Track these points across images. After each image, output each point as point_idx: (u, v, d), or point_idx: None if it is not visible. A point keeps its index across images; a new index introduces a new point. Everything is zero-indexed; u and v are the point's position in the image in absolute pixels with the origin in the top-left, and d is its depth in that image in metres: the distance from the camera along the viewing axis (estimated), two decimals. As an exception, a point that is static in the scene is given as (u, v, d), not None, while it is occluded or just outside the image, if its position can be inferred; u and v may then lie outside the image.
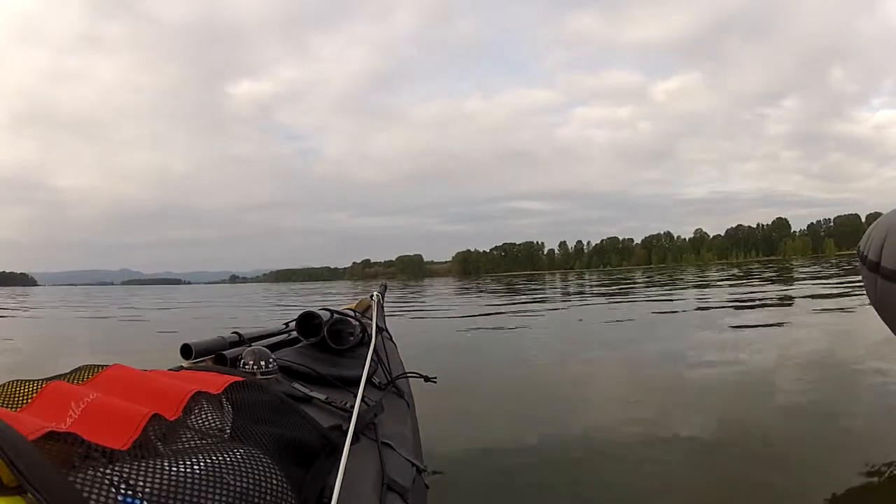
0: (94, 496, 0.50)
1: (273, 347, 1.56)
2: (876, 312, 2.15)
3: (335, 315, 1.76)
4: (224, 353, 1.43)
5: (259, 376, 1.18)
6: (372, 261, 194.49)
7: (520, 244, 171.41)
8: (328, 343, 1.67)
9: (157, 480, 0.56)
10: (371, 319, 1.93)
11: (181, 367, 1.15)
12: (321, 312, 1.70)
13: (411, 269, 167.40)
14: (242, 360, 1.24)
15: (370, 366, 1.44)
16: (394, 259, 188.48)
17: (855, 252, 2.19)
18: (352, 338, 1.73)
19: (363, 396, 1.16)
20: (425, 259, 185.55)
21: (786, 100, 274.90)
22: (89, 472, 0.52)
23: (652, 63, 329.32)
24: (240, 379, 0.90)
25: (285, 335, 1.82)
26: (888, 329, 2.13)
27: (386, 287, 3.10)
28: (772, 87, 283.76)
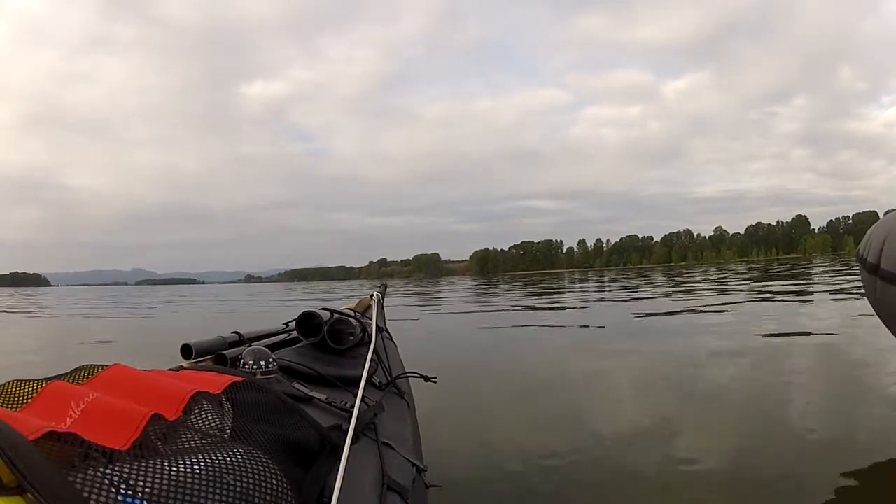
0: (94, 496, 0.50)
1: (273, 347, 1.57)
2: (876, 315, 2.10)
3: (335, 315, 1.77)
4: (224, 353, 1.45)
5: (259, 376, 1.19)
6: (389, 260, 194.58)
7: (538, 242, 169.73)
8: (328, 343, 1.68)
9: (158, 480, 0.56)
10: (371, 319, 1.94)
11: (181, 367, 1.16)
12: (321, 312, 1.71)
13: (429, 268, 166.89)
14: (242, 360, 1.24)
15: (370, 366, 1.44)
16: (410, 258, 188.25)
17: None
18: (352, 338, 1.74)
19: (363, 396, 1.16)
20: (443, 258, 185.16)
21: (794, 99, 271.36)
22: (89, 472, 0.52)
23: (661, 63, 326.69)
24: (240, 379, 0.90)
25: (285, 335, 1.83)
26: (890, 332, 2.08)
27: (386, 287, 3.15)
28: (780, 86, 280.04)
